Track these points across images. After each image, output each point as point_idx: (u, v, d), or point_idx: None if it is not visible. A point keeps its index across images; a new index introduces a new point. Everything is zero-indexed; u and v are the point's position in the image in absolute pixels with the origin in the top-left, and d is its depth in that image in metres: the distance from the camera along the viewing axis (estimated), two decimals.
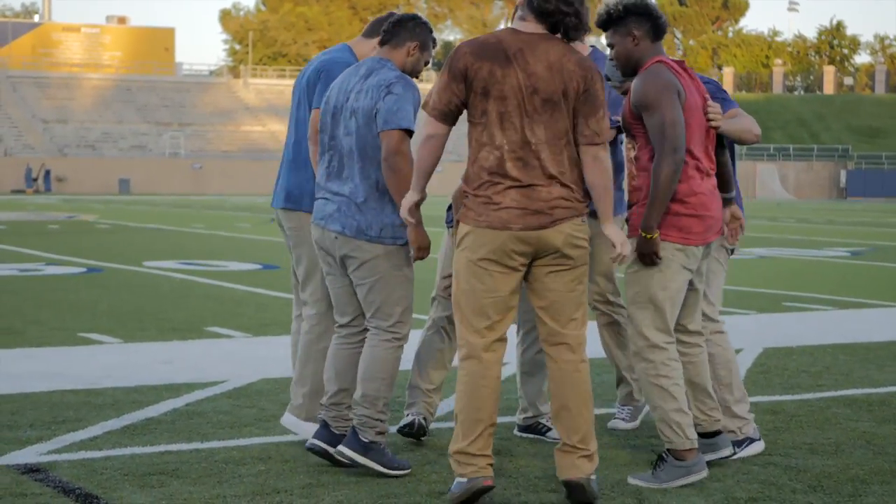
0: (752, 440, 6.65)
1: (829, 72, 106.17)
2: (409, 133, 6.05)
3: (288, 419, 6.75)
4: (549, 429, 7.01)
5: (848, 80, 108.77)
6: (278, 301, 13.74)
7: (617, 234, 5.71)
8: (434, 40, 6.42)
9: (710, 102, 6.11)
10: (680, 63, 6.14)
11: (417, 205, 5.87)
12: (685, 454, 5.96)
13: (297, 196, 6.72)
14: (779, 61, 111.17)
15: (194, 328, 11.45)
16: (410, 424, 6.82)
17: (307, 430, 6.60)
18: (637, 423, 7.38)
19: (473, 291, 5.59)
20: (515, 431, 7.18)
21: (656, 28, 6.10)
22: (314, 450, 6.28)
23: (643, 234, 5.89)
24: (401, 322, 6.24)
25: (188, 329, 11.38)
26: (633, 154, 6.12)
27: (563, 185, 5.55)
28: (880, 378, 9.10)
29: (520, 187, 5.49)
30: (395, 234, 6.15)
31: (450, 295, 6.49)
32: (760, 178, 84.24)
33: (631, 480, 6.01)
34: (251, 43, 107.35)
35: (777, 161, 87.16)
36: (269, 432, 7.06)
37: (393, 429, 6.87)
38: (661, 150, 5.88)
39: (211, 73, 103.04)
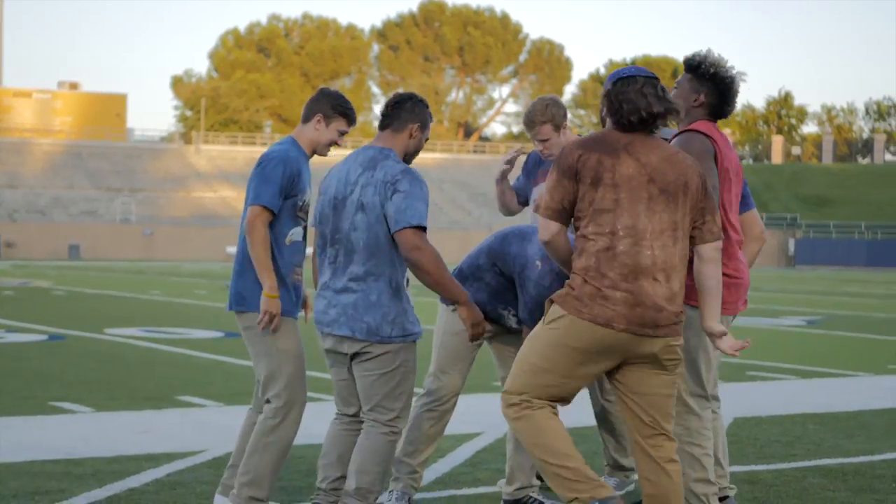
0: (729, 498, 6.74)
1: (778, 141, 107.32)
2: (422, 228, 5.95)
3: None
4: (541, 503, 7.03)
5: (796, 150, 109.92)
6: (245, 370, 13.72)
7: (719, 328, 5.66)
8: (430, 116, 6.39)
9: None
10: (715, 126, 6.15)
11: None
12: None
13: (247, 297, 6.50)
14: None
15: (165, 397, 11.43)
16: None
17: None
18: (622, 492, 7.46)
19: (546, 372, 5.46)
20: None
21: (720, 109, 6.15)
22: None
23: None
24: (399, 417, 6.20)
25: (159, 398, 11.37)
26: None
27: (671, 288, 5.43)
28: (851, 448, 9.22)
29: (628, 284, 5.35)
30: (405, 331, 6.12)
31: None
32: None
33: None
34: (203, 109, 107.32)
35: None
36: None
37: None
38: None
39: (162, 139, 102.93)
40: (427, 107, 6.35)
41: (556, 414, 5.54)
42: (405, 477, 6.85)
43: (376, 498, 6.18)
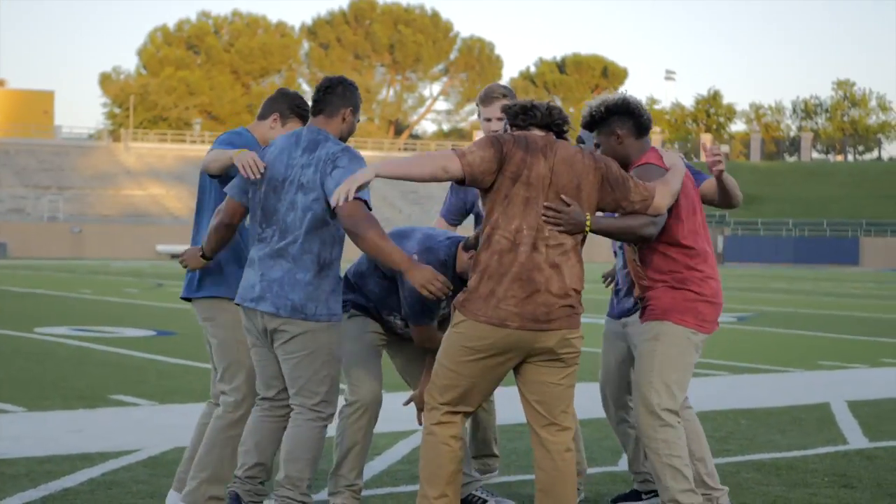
0: None
1: (706, 139, 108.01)
2: (362, 201, 5.93)
3: (174, 500, 6.68)
4: (485, 500, 7.00)
5: (724, 148, 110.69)
6: (178, 368, 13.66)
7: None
8: (360, 98, 6.37)
9: (716, 149, 6.24)
10: (659, 154, 6.27)
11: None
12: None
13: (206, 284, 6.62)
14: (657, 129, 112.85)
15: (98, 396, 11.34)
16: None
17: None
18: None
19: (456, 374, 5.72)
20: None
21: (639, 125, 6.28)
22: None
23: (587, 223, 5.73)
24: (325, 402, 6.15)
25: (92, 397, 11.27)
26: (634, 256, 6.28)
27: (563, 280, 5.65)
28: (784, 442, 9.31)
29: (521, 283, 5.59)
30: (331, 310, 6.11)
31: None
32: None
33: None
34: (132, 106, 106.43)
35: None
36: None
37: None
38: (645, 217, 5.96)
39: (90, 136, 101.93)
40: (357, 89, 6.35)
41: (458, 439, 5.81)
42: (345, 490, 6.67)
43: (308, 485, 6.13)
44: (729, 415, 10.67)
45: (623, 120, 6.26)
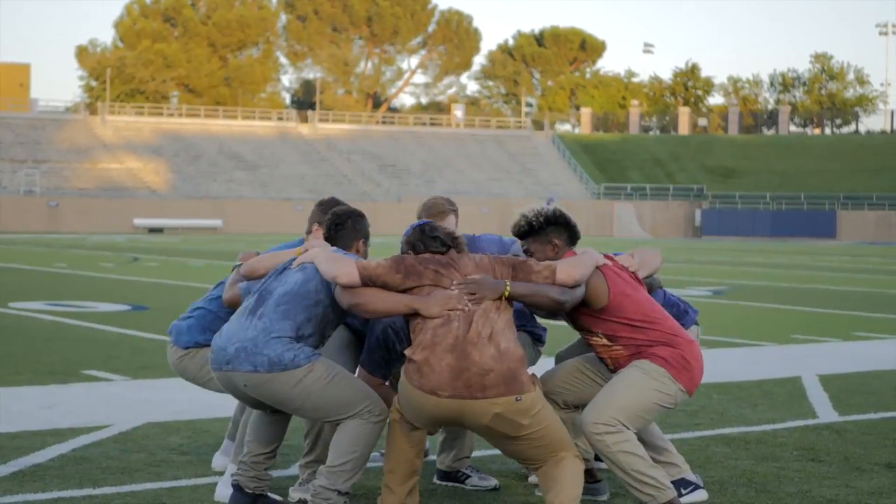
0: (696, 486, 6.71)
1: (684, 113, 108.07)
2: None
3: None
4: (469, 476, 7.03)
5: (702, 121, 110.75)
6: (153, 343, 13.64)
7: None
8: (368, 225, 6.51)
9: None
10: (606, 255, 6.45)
11: None
12: (673, 503, 6.06)
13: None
14: (635, 102, 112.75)
15: (71, 371, 11.32)
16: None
17: None
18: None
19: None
20: (435, 479, 7.17)
21: (572, 235, 6.45)
22: None
23: (507, 287, 6.00)
24: (365, 409, 6.07)
25: (64, 372, 11.25)
26: (602, 341, 6.31)
27: (498, 348, 5.81)
28: (754, 416, 9.36)
29: (455, 354, 5.77)
30: (307, 354, 6.01)
31: None
32: (618, 217, 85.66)
33: None
34: (108, 79, 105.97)
35: (634, 200, 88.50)
36: (160, 477, 7.06)
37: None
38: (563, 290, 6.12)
39: (67, 109, 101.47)
40: (364, 219, 6.49)
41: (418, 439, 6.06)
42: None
43: (345, 481, 6.01)
44: (700, 389, 10.68)
45: (559, 230, 6.43)
